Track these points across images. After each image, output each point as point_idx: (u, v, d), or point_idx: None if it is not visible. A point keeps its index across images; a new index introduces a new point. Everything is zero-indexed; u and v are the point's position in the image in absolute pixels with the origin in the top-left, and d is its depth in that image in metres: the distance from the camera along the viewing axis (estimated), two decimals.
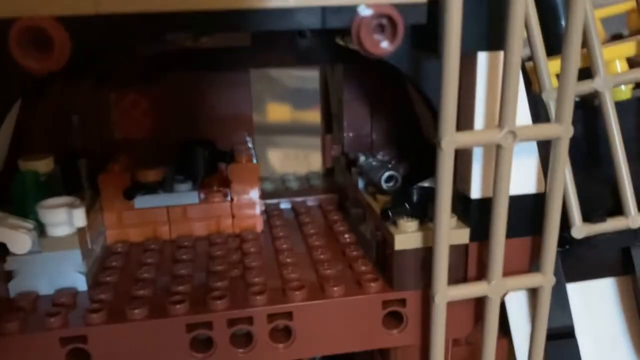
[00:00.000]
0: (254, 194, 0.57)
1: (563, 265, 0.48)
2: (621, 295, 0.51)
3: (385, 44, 0.36)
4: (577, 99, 0.46)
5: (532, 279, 0.44)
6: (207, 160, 0.59)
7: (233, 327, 0.44)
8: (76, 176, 0.56)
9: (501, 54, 0.39)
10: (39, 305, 0.45)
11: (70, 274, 0.47)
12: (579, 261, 0.49)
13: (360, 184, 0.56)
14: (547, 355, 0.46)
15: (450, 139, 0.37)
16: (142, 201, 0.56)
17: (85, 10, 0.34)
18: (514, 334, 0.48)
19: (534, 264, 0.46)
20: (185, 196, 0.57)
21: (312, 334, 0.45)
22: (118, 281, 0.49)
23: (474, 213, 0.45)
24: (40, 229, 0.47)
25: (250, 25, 0.36)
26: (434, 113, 0.40)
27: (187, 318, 0.43)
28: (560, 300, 0.48)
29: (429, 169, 0.40)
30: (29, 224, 0.46)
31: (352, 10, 0.36)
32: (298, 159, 0.71)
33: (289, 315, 0.45)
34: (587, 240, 0.45)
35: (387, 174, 0.51)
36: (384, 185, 0.51)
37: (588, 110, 0.46)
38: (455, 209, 0.43)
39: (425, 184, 0.49)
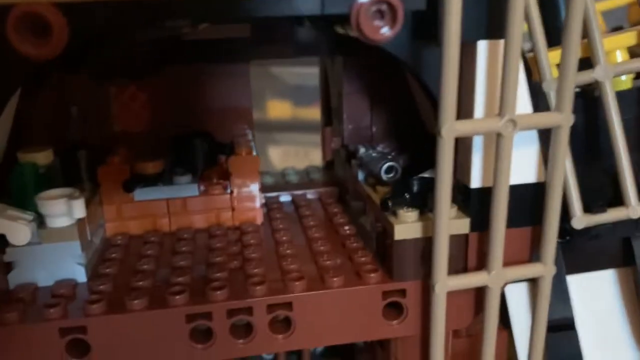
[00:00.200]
0: (254, 186, 0.57)
1: (563, 256, 0.48)
2: (622, 287, 0.51)
3: (384, 30, 0.36)
4: (578, 89, 0.46)
5: (533, 269, 0.43)
6: (206, 153, 0.59)
7: (233, 318, 0.44)
8: (75, 168, 0.56)
9: (501, 42, 0.39)
10: (38, 297, 0.45)
11: (69, 265, 0.47)
12: (579, 253, 0.48)
13: (360, 175, 0.56)
14: (547, 347, 0.46)
15: (450, 127, 0.37)
16: (141, 193, 0.56)
17: None
18: (514, 326, 0.48)
19: (534, 255, 0.46)
20: (185, 189, 0.57)
21: (311, 324, 0.45)
22: (118, 273, 0.49)
23: (474, 203, 0.44)
24: (40, 221, 0.47)
25: (249, 11, 0.36)
26: (434, 102, 0.40)
27: (186, 309, 0.43)
28: (560, 292, 0.48)
29: (429, 160, 0.40)
30: (29, 216, 0.46)
31: None
32: (298, 156, 0.71)
33: (288, 305, 0.44)
34: (588, 230, 0.45)
35: (387, 164, 0.51)
36: (384, 176, 0.51)
37: (588, 100, 0.46)
38: (455, 199, 0.43)
39: (425, 175, 0.48)
